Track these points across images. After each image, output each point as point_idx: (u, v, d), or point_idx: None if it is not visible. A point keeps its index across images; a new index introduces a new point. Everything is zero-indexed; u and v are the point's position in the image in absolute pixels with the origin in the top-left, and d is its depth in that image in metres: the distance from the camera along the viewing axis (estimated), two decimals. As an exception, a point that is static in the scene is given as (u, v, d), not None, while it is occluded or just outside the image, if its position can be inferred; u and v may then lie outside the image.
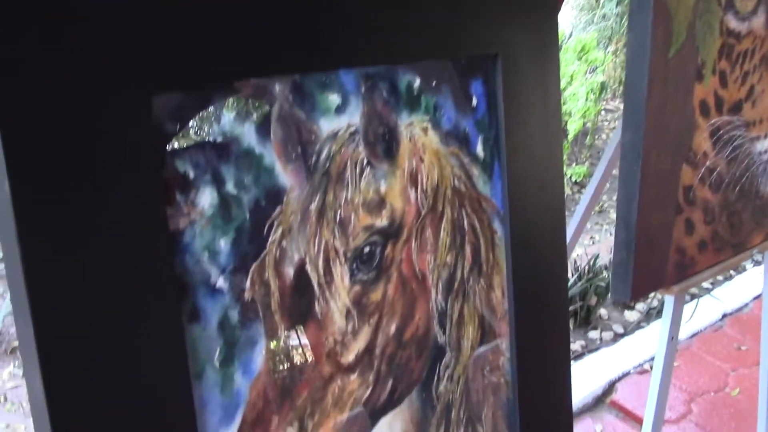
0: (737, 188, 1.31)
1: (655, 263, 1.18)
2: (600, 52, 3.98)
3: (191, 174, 0.57)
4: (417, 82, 0.72)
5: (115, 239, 0.52)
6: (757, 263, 3.06)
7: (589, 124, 4.04)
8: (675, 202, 1.18)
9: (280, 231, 0.63)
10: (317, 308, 0.67)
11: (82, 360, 0.51)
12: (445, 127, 0.75)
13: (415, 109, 0.72)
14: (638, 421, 2.02)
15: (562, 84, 3.57)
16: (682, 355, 2.38)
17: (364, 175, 0.68)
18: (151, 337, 0.54)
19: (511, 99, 0.79)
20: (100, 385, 0.52)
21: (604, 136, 4.53)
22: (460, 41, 0.74)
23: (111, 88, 0.50)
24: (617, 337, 2.60)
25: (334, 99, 0.65)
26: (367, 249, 0.70)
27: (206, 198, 0.58)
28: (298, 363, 0.66)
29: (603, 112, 4.63)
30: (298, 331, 0.65)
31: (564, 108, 3.60)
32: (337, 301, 0.68)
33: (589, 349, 2.49)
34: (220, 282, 0.59)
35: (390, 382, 0.74)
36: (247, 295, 0.61)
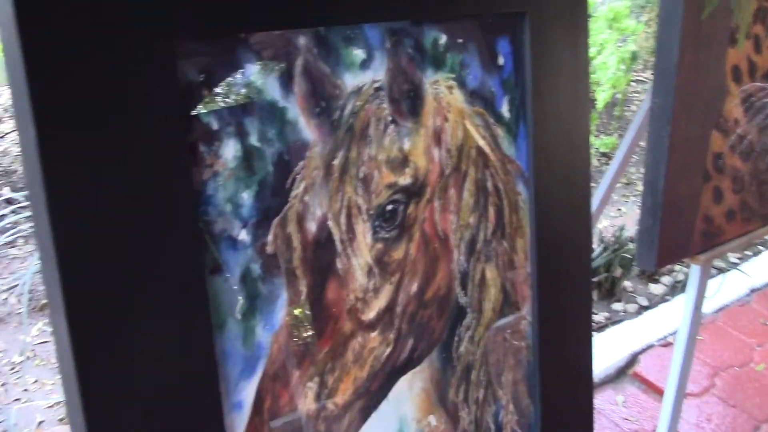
0: (768, 157, 1.29)
1: (681, 231, 1.16)
2: (632, 21, 3.89)
3: (215, 125, 0.57)
4: (443, 40, 0.71)
5: (139, 189, 0.52)
6: (787, 238, 3.01)
7: (618, 95, 3.97)
8: (703, 170, 1.16)
9: (302, 186, 0.63)
10: (339, 264, 0.67)
11: (107, 312, 0.52)
12: (471, 85, 0.74)
13: (441, 67, 0.71)
14: (660, 393, 2.00)
15: (592, 53, 3.51)
16: (707, 329, 2.35)
17: (387, 132, 0.68)
18: (174, 288, 0.55)
19: (539, 59, 0.78)
20: (124, 337, 0.53)
21: (633, 107, 4.45)
22: (488, -2, 0.73)
23: (135, 34, 0.50)
24: (641, 309, 2.58)
25: (358, 54, 0.65)
26: (389, 207, 0.70)
27: (230, 150, 0.58)
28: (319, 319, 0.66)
29: (633, 83, 4.54)
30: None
31: (593, 77, 3.54)
32: (359, 258, 0.68)
33: (613, 321, 2.48)
34: (243, 235, 0.60)
35: (410, 341, 0.74)
36: (269, 249, 0.62)
